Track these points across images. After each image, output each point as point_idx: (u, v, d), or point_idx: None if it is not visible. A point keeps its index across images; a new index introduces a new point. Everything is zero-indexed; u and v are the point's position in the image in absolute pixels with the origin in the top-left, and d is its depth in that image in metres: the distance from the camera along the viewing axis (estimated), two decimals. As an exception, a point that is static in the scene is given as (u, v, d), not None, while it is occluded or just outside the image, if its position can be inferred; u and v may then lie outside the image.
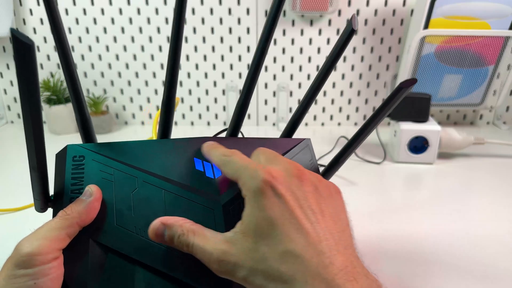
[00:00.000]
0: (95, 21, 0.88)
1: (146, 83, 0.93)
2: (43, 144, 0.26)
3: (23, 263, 0.24)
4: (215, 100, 0.95)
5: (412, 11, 0.84)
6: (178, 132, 0.93)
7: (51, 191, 0.30)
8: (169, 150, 0.32)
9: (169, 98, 0.33)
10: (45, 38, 0.89)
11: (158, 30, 0.88)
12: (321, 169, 0.37)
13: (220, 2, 0.86)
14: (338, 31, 0.87)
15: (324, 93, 0.94)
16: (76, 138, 0.83)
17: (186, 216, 0.28)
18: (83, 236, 0.27)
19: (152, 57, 0.91)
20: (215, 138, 0.34)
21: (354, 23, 0.30)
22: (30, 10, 0.87)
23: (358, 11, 0.85)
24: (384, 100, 0.31)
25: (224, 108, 0.95)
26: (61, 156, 0.30)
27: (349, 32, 0.31)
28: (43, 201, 0.29)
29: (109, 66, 0.92)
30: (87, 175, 0.29)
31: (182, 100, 0.95)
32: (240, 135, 0.38)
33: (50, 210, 0.29)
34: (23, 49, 0.21)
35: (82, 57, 0.91)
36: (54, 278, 0.25)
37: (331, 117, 0.96)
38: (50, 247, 0.25)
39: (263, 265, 0.23)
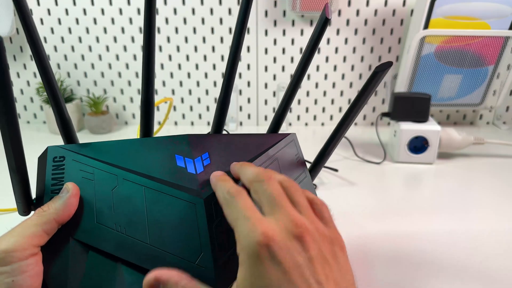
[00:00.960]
0: (95, 21, 0.88)
1: (146, 83, 0.93)
2: (21, 145, 0.26)
3: (1, 261, 0.23)
4: (215, 100, 0.95)
5: (412, 11, 0.84)
6: (178, 132, 0.93)
7: (34, 195, 0.30)
8: (150, 148, 0.32)
9: (147, 97, 0.33)
10: (45, 38, 0.89)
11: (158, 30, 0.88)
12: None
13: (220, 2, 0.86)
14: (338, 31, 0.87)
15: (324, 93, 0.94)
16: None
17: (168, 211, 0.28)
18: (63, 234, 0.27)
19: (152, 57, 0.90)
20: (197, 135, 0.34)
21: (328, 11, 0.30)
22: (30, 10, 0.87)
23: (358, 11, 0.85)
24: (362, 86, 0.31)
25: (224, 108, 0.95)
26: (42, 158, 0.30)
27: (323, 22, 0.31)
28: (25, 204, 0.29)
29: (109, 66, 0.92)
30: (68, 175, 0.29)
31: (182, 100, 0.95)
32: (224, 132, 0.38)
33: None
34: None
35: (82, 57, 0.91)
36: (32, 275, 0.24)
37: (331, 117, 0.96)
38: (27, 243, 0.24)
39: None
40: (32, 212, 0.29)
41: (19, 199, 0.29)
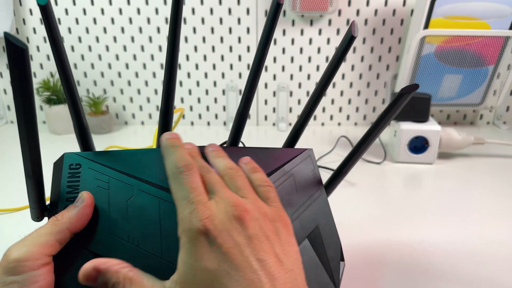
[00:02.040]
0: (95, 21, 0.88)
1: (146, 83, 0.93)
2: (38, 151, 0.26)
3: (11, 270, 0.23)
4: (215, 100, 0.95)
5: (412, 11, 0.84)
6: (178, 132, 0.92)
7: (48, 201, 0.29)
8: None
9: (166, 107, 0.33)
10: (44, 38, 0.89)
11: (158, 30, 0.88)
12: (325, 179, 0.36)
13: (220, 2, 0.86)
14: (338, 31, 0.87)
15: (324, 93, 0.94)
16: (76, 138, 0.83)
17: None
18: (77, 245, 0.27)
19: (152, 57, 0.91)
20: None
21: (354, 29, 0.30)
22: (30, 10, 0.87)
23: (358, 11, 0.85)
24: (386, 107, 0.31)
25: (224, 108, 0.95)
26: (58, 165, 0.30)
27: (349, 39, 0.31)
28: (39, 209, 0.29)
29: (109, 66, 0.92)
30: (83, 183, 0.29)
31: (182, 100, 0.95)
32: (241, 144, 0.38)
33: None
34: (16, 53, 0.21)
35: (82, 57, 0.91)
36: (43, 285, 0.24)
37: (331, 117, 0.96)
38: (39, 253, 0.24)
39: None
40: (45, 219, 0.29)
41: (33, 205, 0.28)
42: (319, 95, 0.34)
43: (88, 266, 0.23)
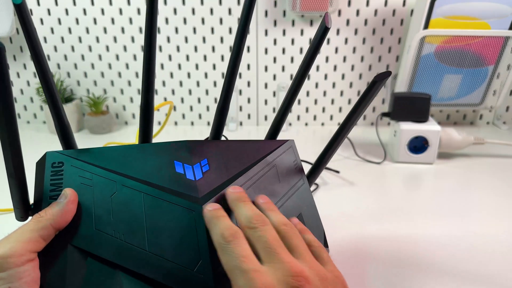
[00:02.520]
0: (95, 21, 0.88)
1: (146, 83, 0.93)
2: (19, 150, 0.26)
3: None
4: (215, 100, 0.95)
5: (412, 11, 0.84)
6: (178, 132, 0.93)
7: (32, 200, 0.29)
8: (149, 154, 0.32)
9: (146, 103, 0.33)
10: (45, 38, 0.89)
11: (158, 30, 0.88)
12: (306, 170, 0.37)
13: (220, 2, 0.86)
14: (338, 31, 0.87)
15: (324, 93, 0.94)
16: (76, 139, 0.83)
17: (166, 218, 0.28)
18: (61, 240, 0.27)
19: (152, 57, 0.90)
20: (196, 141, 0.34)
21: (327, 20, 0.31)
22: (30, 11, 0.87)
23: (358, 11, 0.85)
24: (361, 95, 0.31)
25: (224, 108, 0.95)
26: (40, 164, 0.30)
27: (323, 30, 0.31)
28: (22, 209, 0.29)
29: (109, 66, 0.92)
30: (66, 181, 0.29)
31: (182, 100, 0.95)
32: (223, 138, 0.38)
33: None
34: None
35: (82, 57, 0.91)
36: (29, 282, 0.24)
37: (331, 117, 0.96)
38: (23, 249, 0.24)
39: None
40: (30, 218, 0.29)
41: (17, 205, 0.28)
42: (296, 88, 0.35)
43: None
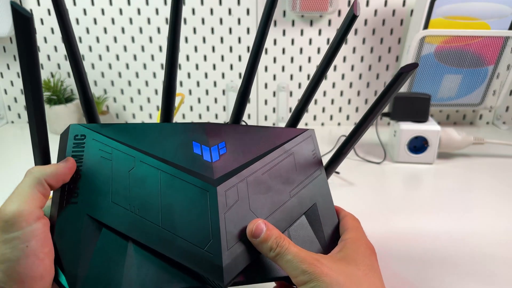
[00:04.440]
0: (95, 21, 0.88)
1: (147, 83, 0.93)
2: (44, 121, 0.27)
3: (10, 227, 0.23)
4: (215, 100, 0.95)
5: (412, 11, 0.85)
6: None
7: None
8: (169, 133, 0.33)
9: (169, 82, 0.34)
10: (45, 38, 0.89)
11: (158, 30, 0.88)
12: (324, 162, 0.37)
13: (220, 2, 0.86)
14: (338, 31, 0.87)
15: (324, 93, 0.94)
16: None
17: (181, 196, 0.29)
18: (79, 211, 0.28)
19: (152, 57, 0.91)
20: (216, 124, 0.34)
21: (356, 8, 0.30)
22: (30, 10, 0.87)
23: (358, 11, 0.85)
24: (385, 87, 0.31)
25: (224, 108, 0.95)
26: (64, 135, 0.31)
27: (350, 18, 0.31)
28: None
29: (110, 66, 0.92)
30: (87, 154, 0.30)
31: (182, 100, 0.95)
32: (243, 123, 0.38)
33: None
34: (21, 22, 0.21)
35: (83, 57, 0.91)
36: (42, 240, 0.24)
37: (331, 117, 0.96)
38: (31, 206, 0.24)
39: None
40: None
41: None
42: (320, 77, 0.35)
43: (259, 220, 0.28)
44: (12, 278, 0.23)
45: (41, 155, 0.28)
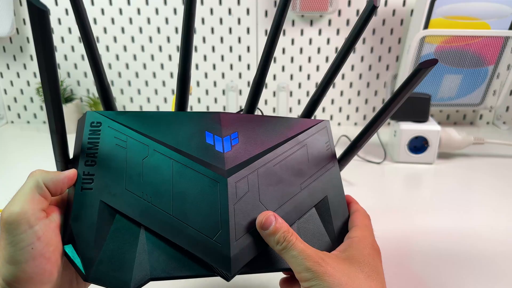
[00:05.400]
0: (95, 21, 0.88)
1: (147, 83, 0.93)
2: (61, 108, 0.28)
3: (15, 228, 0.24)
4: (215, 100, 0.95)
5: (412, 11, 0.85)
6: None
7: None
8: (182, 123, 0.33)
9: (184, 72, 0.34)
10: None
11: (158, 30, 0.88)
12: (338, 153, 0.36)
13: (220, 2, 0.86)
14: (338, 31, 0.87)
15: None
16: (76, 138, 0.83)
17: (192, 186, 0.30)
18: (94, 197, 0.29)
19: (152, 57, 0.91)
20: (230, 114, 0.34)
21: None
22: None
23: (358, 11, 0.85)
24: (403, 82, 0.30)
25: (224, 108, 0.95)
26: (81, 121, 0.32)
27: (370, 9, 0.31)
28: (63, 162, 0.30)
29: (110, 66, 0.92)
30: (102, 141, 0.31)
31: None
32: (258, 112, 0.38)
33: None
34: (37, 15, 0.22)
35: (82, 57, 0.91)
36: (47, 241, 0.25)
37: (331, 117, 0.96)
38: (33, 208, 0.25)
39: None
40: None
41: (58, 158, 0.30)
42: (339, 64, 0.34)
43: (269, 212, 0.28)
44: (22, 278, 0.24)
45: (59, 141, 0.29)
